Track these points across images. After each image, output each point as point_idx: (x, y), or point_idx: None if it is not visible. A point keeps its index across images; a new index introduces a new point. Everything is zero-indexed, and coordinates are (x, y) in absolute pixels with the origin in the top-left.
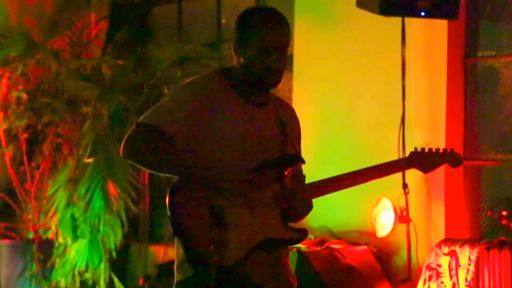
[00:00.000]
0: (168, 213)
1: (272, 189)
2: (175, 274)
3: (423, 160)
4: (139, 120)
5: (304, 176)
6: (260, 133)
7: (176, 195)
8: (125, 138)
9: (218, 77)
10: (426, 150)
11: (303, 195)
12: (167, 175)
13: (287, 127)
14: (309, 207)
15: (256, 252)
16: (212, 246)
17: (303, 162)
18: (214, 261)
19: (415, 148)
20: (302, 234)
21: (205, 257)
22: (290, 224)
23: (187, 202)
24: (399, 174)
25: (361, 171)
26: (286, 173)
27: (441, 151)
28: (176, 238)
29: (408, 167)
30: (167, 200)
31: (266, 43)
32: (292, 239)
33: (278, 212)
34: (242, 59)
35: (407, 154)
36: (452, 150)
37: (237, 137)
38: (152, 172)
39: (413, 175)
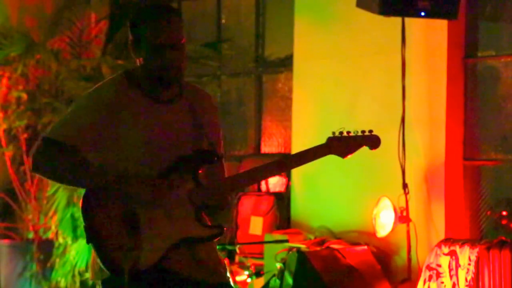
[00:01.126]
0: (83, 221)
1: (187, 187)
2: (93, 273)
3: (340, 145)
4: (44, 133)
5: (222, 164)
6: (170, 131)
7: (88, 203)
8: (31, 152)
9: (122, 80)
10: (344, 134)
11: (217, 192)
12: (78, 187)
13: (202, 119)
14: (225, 203)
15: (177, 250)
16: (124, 252)
17: (218, 158)
18: (126, 266)
19: (333, 133)
20: (219, 230)
21: (118, 263)
22: (209, 220)
23: (99, 209)
24: (399, 174)
25: (276, 162)
26: (200, 170)
27: (359, 133)
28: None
29: (326, 153)
30: (80, 208)
31: (157, 41)
32: (208, 236)
33: (193, 211)
34: (140, 60)
35: (407, 155)
36: (370, 131)
37: (143, 139)
38: (63, 184)
39: (413, 175)
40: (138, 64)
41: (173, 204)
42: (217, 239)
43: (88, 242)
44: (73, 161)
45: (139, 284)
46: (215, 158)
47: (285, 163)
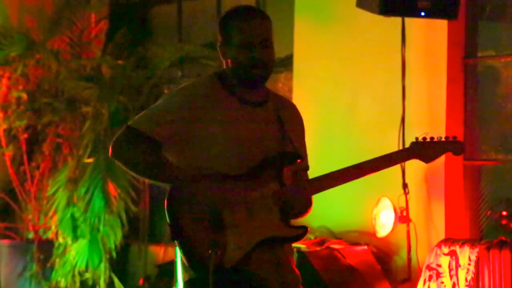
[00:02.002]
0: (167, 218)
1: (271, 187)
2: (182, 273)
3: (424, 150)
4: (129, 122)
5: (306, 174)
6: (258, 132)
7: (173, 200)
8: (114, 139)
9: (212, 80)
10: (428, 139)
11: (301, 192)
12: (152, 181)
13: (286, 125)
14: (309, 203)
15: (258, 251)
16: (209, 250)
17: (301, 159)
18: (212, 264)
19: (416, 138)
20: (303, 230)
21: (204, 261)
22: (291, 221)
23: (185, 207)
24: (399, 174)
25: (361, 165)
26: (284, 170)
27: (443, 139)
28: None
29: (409, 158)
30: (165, 205)
31: (247, 37)
32: (292, 236)
33: (277, 210)
34: (229, 60)
35: None
36: (454, 137)
37: (231, 138)
38: (140, 177)
39: (413, 175)
40: (226, 66)
41: (257, 203)
42: (301, 239)
43: (173, 238)
44: (153, 156)
45: (222, 284)
46: (299, 159)
47: (369, 167)
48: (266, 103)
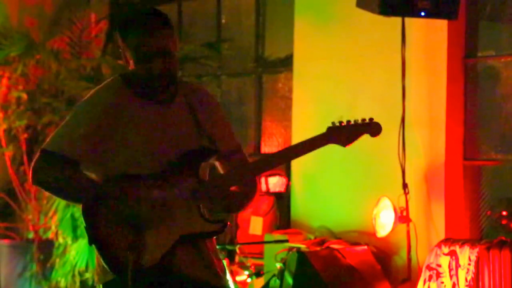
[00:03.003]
0: (84, 223)
1: (189, 184)
2: (97, 276)
3: (341, 134)
4: (42, 146)
5: (233, 158)
6: (169, 130)
7: (88, 203)
8: (31, 165)
9: (116, 83)
10: (344, 123)
11: (218, 185)
12: (75, 203)
13: (198, 115)
14: (228, 195)
15: (180, 248)
16: (127, 252)
17: (215, 152)
18: (130, 266)
19: (332, 123)
20: (222, 225)
21: (121, 263)
22: (211, 216)
23: (100, 209)
24: (399, 174)
25: (277, 154)
26: (201, 166)
27: (359, 121)
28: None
29: (326, 143)
30: (81, 211)
31: (144, 49)
32: (211, 232)
33: (197, 206)
34: (131, 63)
35: (407, 155)
36: (371, 119)
37: (143, 140)
38: (61, 198)
39: (413, 175)
40: (130, 67)
41: (175, 202)
42: (219, 234)
43: (90, 243)
44: (70, 172)
45: (142, 284)
46: (214, 154)
47: (286, 154)
48: (175, 98)
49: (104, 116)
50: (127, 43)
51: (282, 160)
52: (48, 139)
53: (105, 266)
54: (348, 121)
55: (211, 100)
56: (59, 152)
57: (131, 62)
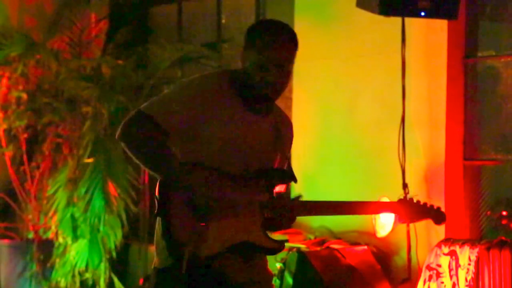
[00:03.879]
0: (156, 194)
1: (261, 196)
2: (155, 259)
3: (408, 210)
4: (141, 107)
5: (288, 195)
6: (255, 140)
7: (169, 177)
8: (123, 121)
9: (222, 78)
10: (414, 201)
11: (288, 209)
12: (151, 171)
13: (283, 140)
14: (292, 221)
15: (234, 253)
16: (189, 234)
17: (295, 181)
18: (188, 249)
19: (405, 197)
20: (280, 245)
21: (180, 244)
22: (269, 233)
23: (177, 188)
24: (399, 174)
25: (350, 204)
26: (277, 185)
27: (428, 206)
28: (157, 223)
29: (391, 212)
30: (158, 182)
31: (264, 59)
32: (269, 248)
33: (261, 220)
34: (244, 66)
35: (407, 155)
36: (438, 208)
37: (230, 139)
38: (140, 162)
39: (413, 175)
40: (241, 68)
41: (244, 207)
42: (275, 254)
43: (157, 214)
44: (158, 142)
45: (193, 275)
46: (293, 181)
47: (356, 207)
48: (268, 115)
49: (202, 102)
50: (251, 47)
51: (344, 211)
52: (146, 103)
53: (165, 244)
54: (418, 201)
55: (292, 133)
56: (155, 118)
57: (246, 63)
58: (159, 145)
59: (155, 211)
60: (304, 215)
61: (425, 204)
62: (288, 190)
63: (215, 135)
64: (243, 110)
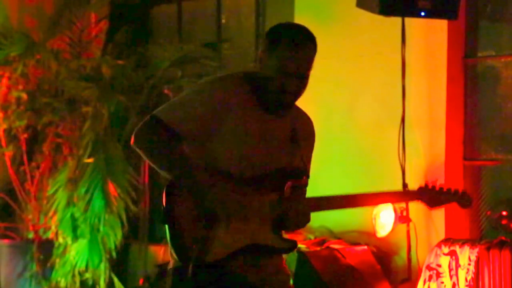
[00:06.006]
0: (163, 201)
1: (271, 197)
2: (172, 259)
3: (432, 196)
4: (154, 112)
5: (305, 191)
6: (271, 142)
7: (172, 188)
8: (137, 127)
9: (240, 79)
10: (437, 188)
11: (299, 208)
12: (166, 175)
13: (300, 140)
14: (305, 220)
15: (245, 255)
16: (194, 244)
17: (307, 177)
18: (194, 255)
19: (426, 184)
20: (291, 245)
21: (185, 250)
22: (283, 233)
23: (181, 196)
24: (399, 174)
25: (367, 195)
26: (287, 184)
27: (452, 190)
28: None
29: (415, 199)
30: (164, 189)
31: (285, 67)
32: (279, 248)
33: (271, 220)
34: (263, 69)
35: (407, 155)
36: (464, 191)
37: (246, 141)
38: (155, 167)
39: (413, 175)
40: (260, 69)
41: (254, 209)
42: (287, 253)
43: (163, 222)
44: (172, 148)
45: (201, 277)
46: (304, 176)
47: (374, 198)
48: (285, 115)
49: (217, 106)
50: (272, 52)
51: (363, 203)
52: (161, 107)
53: (171, 250)
54: (441, 187)
55: (312, 130)
56: (168, 124)
57: (266, 67)
58: (173, 151)
59: (162, 220)
60: (315, 210)
61: (449, 189)
62: (304, 187)
63: (231, 137)
64: (261, 113)
